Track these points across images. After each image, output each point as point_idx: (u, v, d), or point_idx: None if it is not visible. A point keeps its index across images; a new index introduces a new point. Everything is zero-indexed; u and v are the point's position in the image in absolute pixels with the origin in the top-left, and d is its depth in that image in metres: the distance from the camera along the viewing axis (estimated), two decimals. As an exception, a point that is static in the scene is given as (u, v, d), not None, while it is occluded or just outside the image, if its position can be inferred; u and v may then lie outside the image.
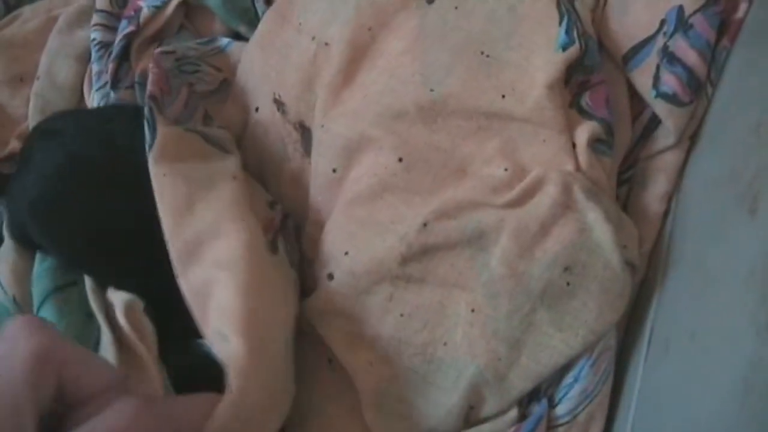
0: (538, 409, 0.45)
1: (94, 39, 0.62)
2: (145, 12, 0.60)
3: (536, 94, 0.46)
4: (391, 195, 0.47)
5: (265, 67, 0.54)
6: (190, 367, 0.46)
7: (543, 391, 0.46)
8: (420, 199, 0.46)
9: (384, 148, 0.47)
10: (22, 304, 0.49)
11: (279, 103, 0.52)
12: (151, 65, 0.52)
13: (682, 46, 0.46)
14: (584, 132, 0.46)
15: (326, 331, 0.47)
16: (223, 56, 0.57)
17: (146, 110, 0.49)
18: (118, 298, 0.47)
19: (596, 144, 0.47)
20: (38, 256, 0.51)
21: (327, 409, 0.47)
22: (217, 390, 0.42)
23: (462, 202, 0.45)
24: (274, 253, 0.48)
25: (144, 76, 0.59)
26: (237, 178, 0.49)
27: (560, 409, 0.45)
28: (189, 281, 0.44)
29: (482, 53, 0.48)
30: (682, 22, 0.47)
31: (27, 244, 0.51)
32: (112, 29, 0.62)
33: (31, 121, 0.63)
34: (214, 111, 0.56)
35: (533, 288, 0.43)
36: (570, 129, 0.47)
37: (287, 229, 0.51)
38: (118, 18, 0.63)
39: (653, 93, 0.47)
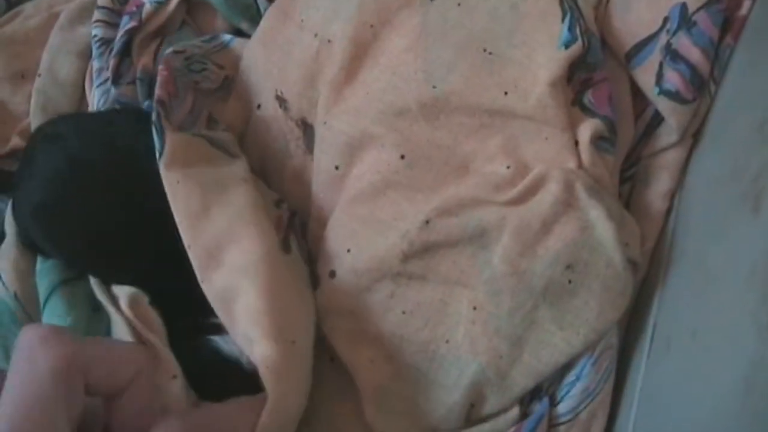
0: (539, 407, 0.45)
1: (95, 35, 0.62)
2: (147, 7, 0.60)
3: (539, 91, 0.46)
4: (393, 192, 0.47)
5: (268, 63, 0.54)
6: (201, 364, 0.46)
7: (544, 389, 0.46)
8: (422, 196, 0.46)
9: (386, 145, 0.47)
10: (23, 301, 0.49)
11: (281, 100, 0.52)
12: (160, 68, 0.52)
13: (685, 44, 0.46)
14: (587, 129, 0.46)
15: (328, 329, 0.47)
16: (226, 53, 0.57)
17: (154, 116, 0.48)
18: (122, 291, 0.48)
19: (599, 141, 0.47)
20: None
21: (328, 407, 0.47)
22: (227, 386, 0.43)
23: (464, 200, 0.45)
24: (288, 252, 0.49)
25: (145, 72, 0.59)
26: (247, 180, 0.49)
27: (562, 408, 0.45)
28: (212, 287, 0.44)
29: (485, 50, 0.48)
30: (685, 20, 0.46)
31: (33, 249, 0.51)
32: (114, 26, 0.62)
33: (33, 118, 0.63)
34: (217, 109, 0.56)
35: (535, 286, 0.43)
36: (572, 126, 0.46)
37: (295, 227, 0.51)
38: (119, 14, 0.63)
39: (656, 90, 0.47)
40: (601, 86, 0.48)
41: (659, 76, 0.47)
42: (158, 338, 0.45)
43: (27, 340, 0.33)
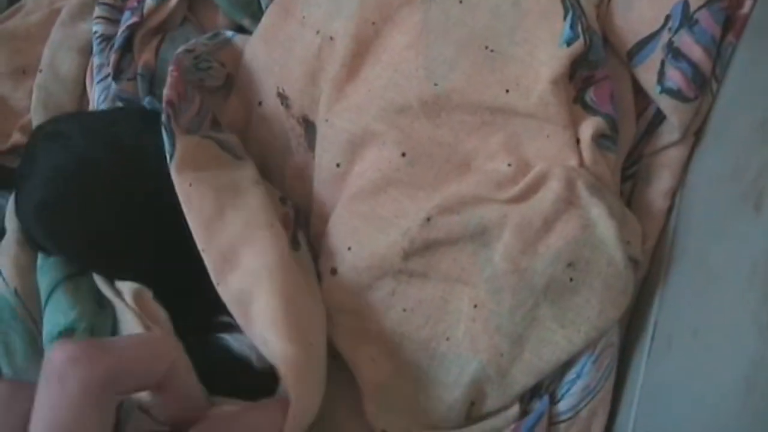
0: (539, 405, 0.45)
1: (96, 32, 0.62)
2: (149, 3, 0.60)
3: (540, 89, 0.46)
4: (394, 190, 0.47)
5: (269, 60, 0.53)
6: (210, 361, 0.46)
7: (545, 387, 0.46)
8: (423, 193, 0.46)
9: (387, 142, 0.47)
10: (23, 297, 0.49)
11: (283, 97, 0.52)
12: (171, 68, 0.51)
13: (687, 42, 0.46)
14: (588, 127, 0.46)
15: (329, 326, 0.47)
16: (228, 50, 0.57)
17: (164, 117, 0.48)
18: (125, 286, 0.48)
19: (600, 139, 0.47)
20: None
21: (329, 405, 0.47)
22: (236, 384, 0.43)
23: (465, 197, 0.45)
24: (297, 249, 0.49)
25: (147, 68, 0.59)
26: (259, 183, 0.49)
27: (562, 406, 0.45)
28: (228, 289, 0.44)
29: (486, 48, 0.48)
30: (687, 18, 0.46)
31: (35, 247, 0.51)
32: (115, 22, 0.62)
33: (34, 114, 0.63)
34: (218, 106, 0.56)
35: (536, 284, 0.43)
36: (574, 124, 0.46)
37: (301, 224, 0.52)
38: (120, 11, 0.62)
39: (658, 89, 0.47)
40: (602, 84, 0.48)
41: (661, 74, 0.47)
42: (167, 333, 0.45)
43: (57, 359, 0.32)
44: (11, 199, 0.53)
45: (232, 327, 0.45)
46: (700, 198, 0.46)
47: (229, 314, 0.44)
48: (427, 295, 0.45)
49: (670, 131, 0.48)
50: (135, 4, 0.61)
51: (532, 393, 0.46)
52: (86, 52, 0.64)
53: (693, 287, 0.42)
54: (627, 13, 0.49)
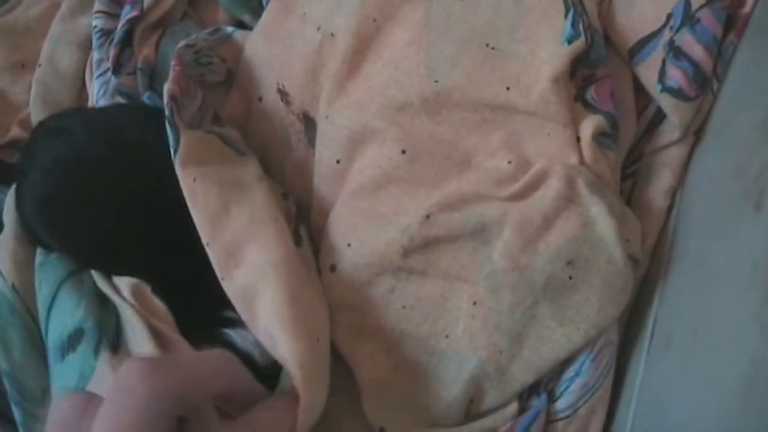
0: (537, 403, 0.45)
1: (95, 26, 0.62)
2: (149, -3, 0.60)
3: (541, 87, 0.46)
4: (394, 187, 0.46)
5: (269, 56, 0.53)
6: None
7: (543, 385, 0.46)
8: (423, 191, 0.46)
9: (388, 139, 0.47)
10: (21, 292, 0.49)
11: (283, 93, 0.52)
12: (173, 63, 0.51)
13: (688, 41, 0.46)
14: (589, 126, 0.46)
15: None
16: (228, 46, 0.57)
17: (167, 112, 0.48)
18: (123, 282, 0.48)
19: (601, 138, 0.47)
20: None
21: (328, 402, 0.47)
22: None
23: (465, 195, 0.45)
24: (299, 245, 0.49)
25: (147, 62, 0.59)
26: (263, 178, 0.49)
27: (561, 403, 0.45)
28: (233, 284, 0.44)
29: (487, 45, 0.48)
30: (688, 17, 0.46)
31: (36, 243, 0.51)
32: (114, 16, 0.62)
33: (33, 108, 0.63)
34: (219, 101, 0.56)
35: (536, 281, 0.43)
36: (575, 122, 0.46)
37: (303, 219, 0.52)
38: (120, 5, 0.62)
39: (659, 87, 0.47)
40: (603, 82, 0.48)
41: (662, 73, 0.47)
42: (170, 328, 0.45)
43: (129, 373, 0.35)
44: (9, 193, 0.53)
45: (236, 322, 0.45)
46: (701, 197, 0.46)
47: (233, 309, 0.44)
48: (427, 293, 0.45)
49: (671, 130, 0.48)
50: (135, -2, 0.61)
51: (531, 391, 0.46)
52: (86, 46, 0.64)
53: (693, 286, 0.42)
54: (628, 11, 0.49)
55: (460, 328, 0.45)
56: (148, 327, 0.45)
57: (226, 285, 0.44)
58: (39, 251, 0.50)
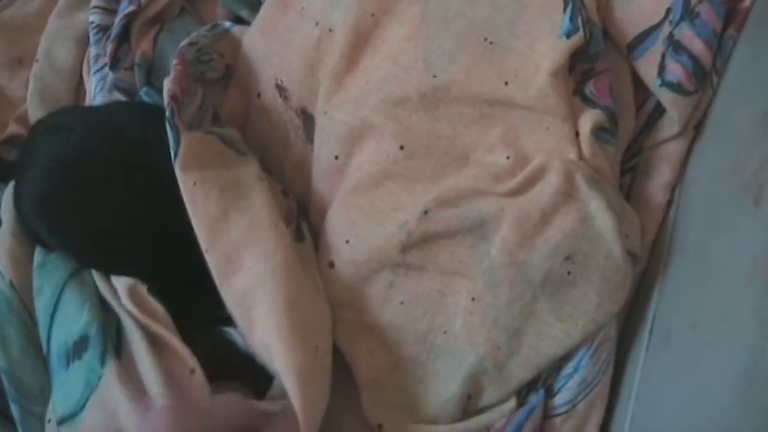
0: (533, 399, 0.45)
1: (92, 22, 0.61)
2: (146, -8, 0.60)
3: (540, 81, 0.46)
4: (392, 183, 0.46)
5: (267, 52, 0.53)
6: (214, 355, 0.46)
7: (542, 381, 0.46)
8: (421, 187, 0.46)
9: (385, 135, 0.47)
10: (19, 290, 0.49)
11: (281, 89, 0.52)
12: (174, 62, 0.51)
13: (688, 35, 0.46)
14: (588, 120, 0.46)
15: (327, 320, 0.47)
16: (226, 41, 0.57)
17: (168, 113, 0.48)
18: (120, 282, 0.48)
19: (600, 132, 0.47)
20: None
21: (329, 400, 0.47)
22: (238, 377, 0.45)
23: (463, 190, 0.45)
24: (301, 240, 0.49)
25: (144, 58, 0.58)
26: (262, 180, 0.49)
27: (559, 399, 0.45)
28: (231, 290, 0.44)
29: (486, 40, 0.47)
30: (688, 11, 0.46)
31: (36, 242, 0.51)
32: (111, 12, 0.62)
33: (30, 104, 0.63)
34: (218, 98, 0.56)
35: (534, 277, 0.43)
36: (573, 117, 0.46)
37: (303, 214, 0.52)
38: (117, 1, 0.62)
39: (658, 82, 0.47)
40: (602, 77, 0.48)
41: (661, 68, 0.47)
42: (167, 329, 0.45)
43: (154, 420, 0.39)
44: (7, 191, 0.52)
45: None
46: (700, 192, 0.45)
47: None
48: (425, 288, 0.45)
49: (670, 125, 0.48)
50: (132, -7, 0.60)
51: (529, 387, 0.46)
52: (83, 42, 0.63)
53: (692, 281, 0.42)
54: (627, 5, 0.49)
55: (459, 324, 0.45)
56: (144, 334, 0.45)
57: (224, 292, 0.44)
58: (38, 250, 0.50)
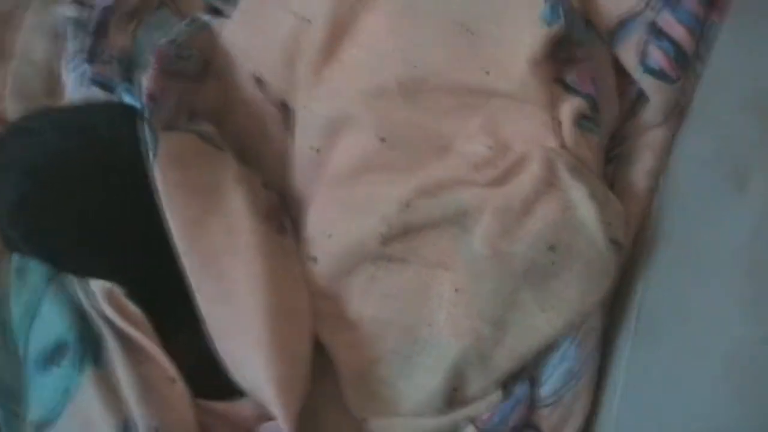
0: (519, 390, 0.45)
1: (69, 16, 0.61)
2: (123, -14, 0.59)
3: (520, 69, 0.46)
4: (372, 174, 0.46)
5: (246, 45, 0.53)
6: (197, 363, 0.46)
7: (527, 372, 0.45)
8: (402, 177, 0.46)
9: (365, 126, 0.46)
10: None
11: (260, 82, 0.51)
12: (152, 60, 0.50)
13: (669, 21, 0.46)
14: (570, 108, 0.46)
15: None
16: (205, 35, 0.56)
17: (146, 113, 0.47)
18: (97, 286, 0.47)
19: (582, 121, 0.46)
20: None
21: (313, 395, 0.47)
22: (220, 382, 0.44)
23: (444, 181, 0.45)
24: (284, 235, 0.49)
25: (123, 53, 0.58)
26: (241, 181, 0.49)
27: (545, 390, 0.45)
28: (207, 296, 0.44)
29: (466, 29, 0.47)
30: (670, -3, 0.46)
31: (11, 248, 0.50)
32: (88, 6, 0.61)
33: (8, 101, 0.62)
34: (196, 92, 0.55)
35: (517, 267, 0.43)
36: (555, 105, 0.46)
37: (285, 208, 0.51)
38: (93, -6, 0.61)
39: (640, 69, 0.47)
40: (584, 65, 0.47)
41: (643, 55, 0.47)
42: (145, 335, 0.44)
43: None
44: None
45: None
46: (684, 179, 0.45)
47: None
48: (408, 280, 0.45)
49: (653, 112, 0.48)
50: (109, -14, 0.60)
51: (515, 378, 0.46)
52: (59, 37, 0.63)
53: (677, 269, 0.42)
54: (609, -8, 0.49)
55: (443, 316, 0.44)
56: (122, 341, 0.44)
57: (199, 297, 0.44)
58: (15, 256, 0.49)
